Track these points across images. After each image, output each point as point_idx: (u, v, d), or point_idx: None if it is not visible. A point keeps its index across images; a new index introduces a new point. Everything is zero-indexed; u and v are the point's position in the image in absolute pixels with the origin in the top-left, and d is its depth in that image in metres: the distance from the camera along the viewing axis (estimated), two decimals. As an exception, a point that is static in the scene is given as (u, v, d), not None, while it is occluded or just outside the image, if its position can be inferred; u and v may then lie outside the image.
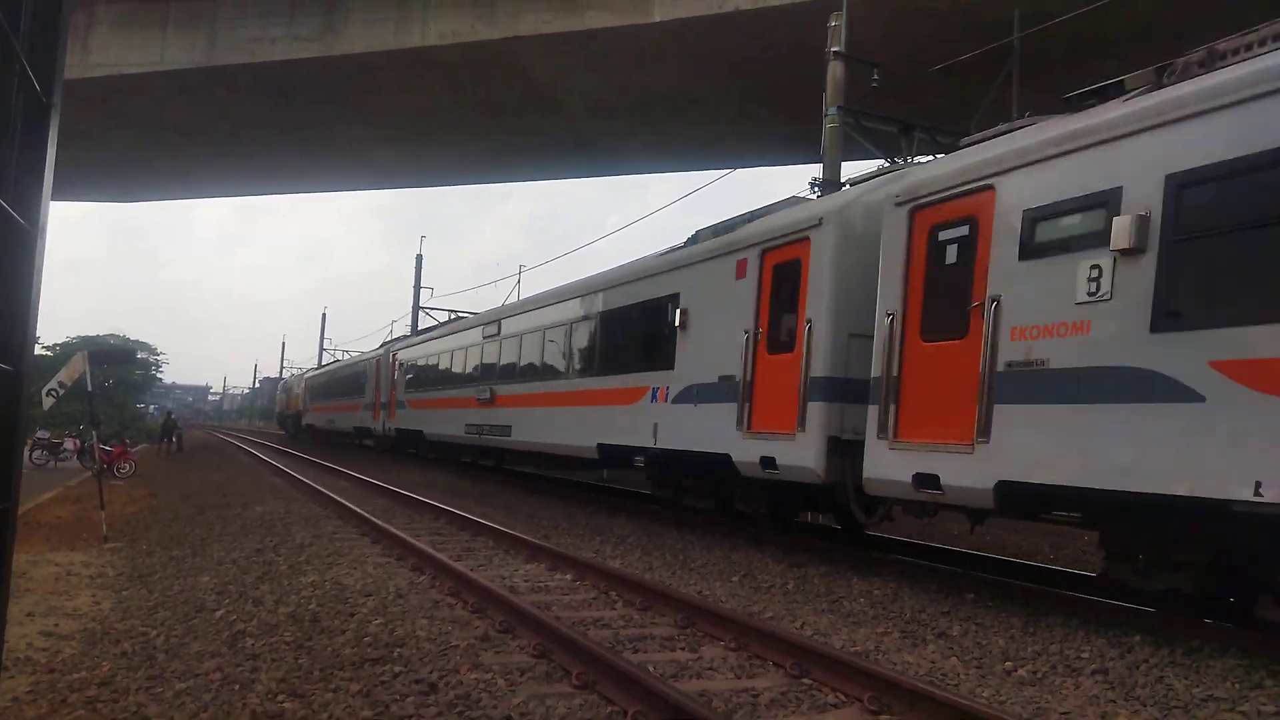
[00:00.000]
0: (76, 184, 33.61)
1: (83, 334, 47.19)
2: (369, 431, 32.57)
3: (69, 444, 24.99)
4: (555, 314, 16.43)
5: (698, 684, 5.12)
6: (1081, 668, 5.78)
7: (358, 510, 12.73)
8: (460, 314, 32.43)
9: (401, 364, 28.12)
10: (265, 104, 25.78)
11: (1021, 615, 7.23)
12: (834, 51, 14.58)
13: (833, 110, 14.55)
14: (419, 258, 41.61)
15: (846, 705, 4.83)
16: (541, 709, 4.59)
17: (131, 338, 51.83)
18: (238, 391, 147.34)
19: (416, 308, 39.89)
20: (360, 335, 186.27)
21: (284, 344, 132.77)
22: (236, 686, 4.94)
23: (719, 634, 6.16)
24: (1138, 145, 6.34)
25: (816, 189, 13.85)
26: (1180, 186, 6.02)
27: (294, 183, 37.88)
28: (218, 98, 25.36)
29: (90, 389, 12.61)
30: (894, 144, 14.58)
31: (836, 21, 14.60)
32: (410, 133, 28.03)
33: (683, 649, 5.94)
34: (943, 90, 17.60)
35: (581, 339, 15.28)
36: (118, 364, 40.02)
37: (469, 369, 21.21)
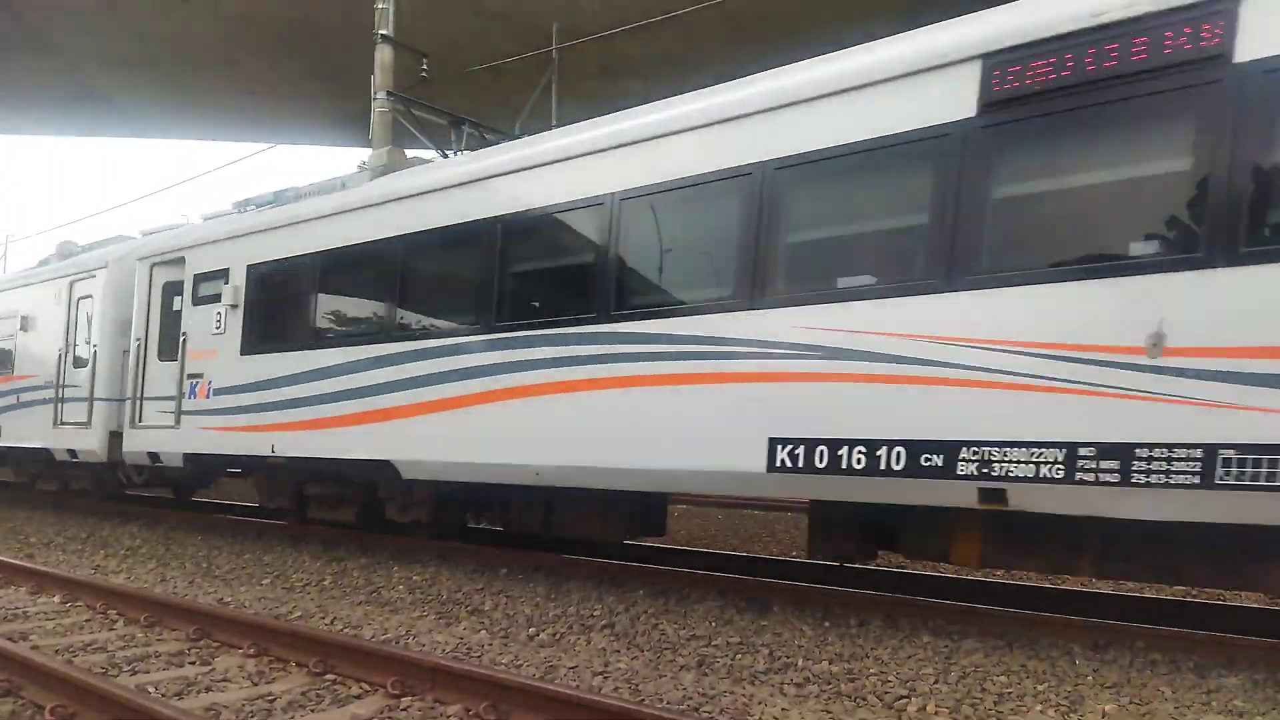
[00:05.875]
0: None
1: None
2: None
3: None
4: None
5: (207, 698, 4.70)
6: (594, 624, 6.40)
7: None
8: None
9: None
10: None
11: (546, 584, 7.79)
12: (382, 35, 14.29)
13: (382, 95, 14.27)
14: None
15: (370, 694, 4.79)
16: (-2, 758, 3.87)
17: None
18: None
19: None
20: None
21: None
22: None
23: (237, 642, 5.72)
24: None
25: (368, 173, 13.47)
26: None
27: None
28: None
29: None
30: (445, 136, 14.73)
31: (384, 4, 14.32)
32: None
33: (193, 663, 5.40)
34: (492, 89, 18.24)
35: None
36: None
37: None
